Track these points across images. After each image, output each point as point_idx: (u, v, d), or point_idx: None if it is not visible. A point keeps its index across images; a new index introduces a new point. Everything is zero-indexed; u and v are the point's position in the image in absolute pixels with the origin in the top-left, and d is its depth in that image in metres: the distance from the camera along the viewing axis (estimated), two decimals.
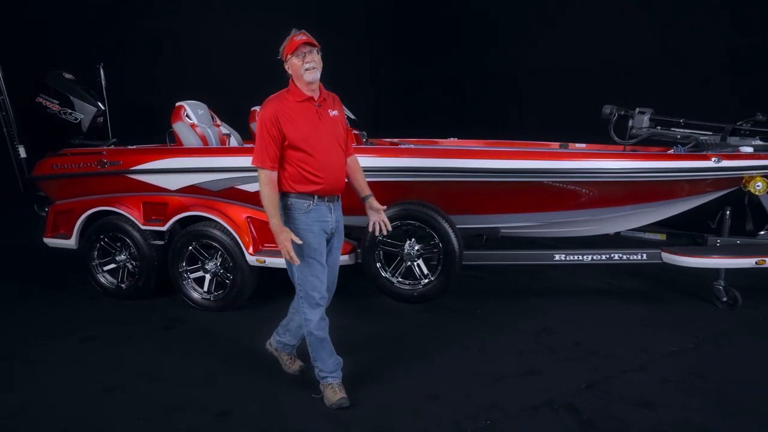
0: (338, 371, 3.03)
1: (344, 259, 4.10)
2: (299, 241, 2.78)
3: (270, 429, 2.79)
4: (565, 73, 8.15)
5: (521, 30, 8.79)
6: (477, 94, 9.51)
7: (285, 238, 2.74)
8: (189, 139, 4.48)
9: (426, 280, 4.00)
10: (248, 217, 4.09)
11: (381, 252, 4.05)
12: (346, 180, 3.00)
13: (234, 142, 4.94)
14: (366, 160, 3.60)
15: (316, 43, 2.79)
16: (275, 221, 2.78)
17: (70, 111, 4.97)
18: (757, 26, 6.28)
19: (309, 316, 2.93)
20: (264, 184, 2.79)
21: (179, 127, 4.52)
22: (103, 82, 5.40)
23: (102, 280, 4.48)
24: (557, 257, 4.21)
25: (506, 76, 9.07)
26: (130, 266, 4.44)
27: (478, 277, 5.19)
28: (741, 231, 4.55)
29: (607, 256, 4.23)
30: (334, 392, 2.97)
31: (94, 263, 4.47)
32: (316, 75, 2.76)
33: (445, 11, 9.88)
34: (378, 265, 4.03)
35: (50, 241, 4.57)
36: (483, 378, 3.30)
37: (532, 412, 2.95)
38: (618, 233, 4.82)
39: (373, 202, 3.06)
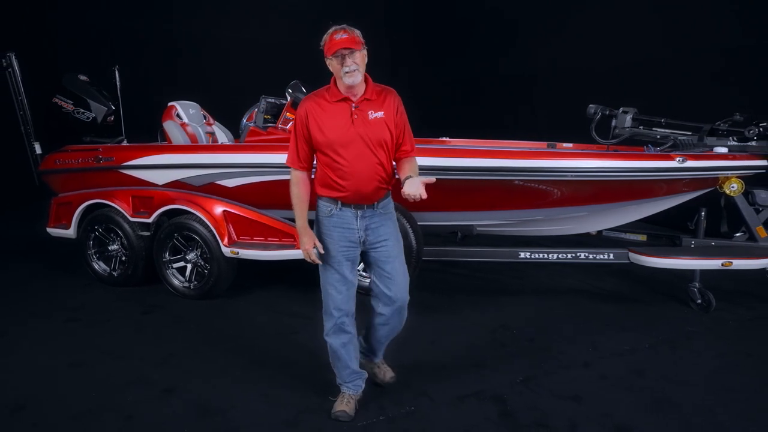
0: (355, 382, 2.96)
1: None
2: (321, 249, 2.73)
3: (204, 405, 2.99)
4: (579, 74, 8.05)
5: (536, 30, 8.75)
6: (492, 94, 9.51)
7: (306, 241, 2.72)
8: (177, 137, 4.77)
9: None
10: (225, 210, 4.33)
11: None
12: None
13: (224, 140, 5.21)
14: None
15: (356, 43, 2.56)
16: (300, 223, 2.75)
17: (83, 110, 5.36)
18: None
19: (325, 323, 2.87)
20: (293, 184, 2.77)
21: (169, 126, 4.82)
22: (118, 83, 5.78)
23: (96, 267, 4.82)
24: (522, 255, 4.26)
25: (521, 77, 9.04)
26: (122, 255, 4.77)
27: (461, 274, 5.27)
28: (722, 232, 4.49)
29: (573, 254, 4.25)
30: (341, 401, 2.93)
31: (89, 252, 4.82)
32: (357, 78, 2.57)
33: (465, 11, 9.93)
34: None
35: (53, 231, 4.95)
36: (424, 368, 3.41)
37: (457, 402, 3.05)
38: (600, 233, 4.83)
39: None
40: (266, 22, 9.50)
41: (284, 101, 4.55)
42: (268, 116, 4.55)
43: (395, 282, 2.82)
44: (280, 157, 4.22)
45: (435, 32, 10.49)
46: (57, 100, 5.35)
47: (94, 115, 5.35)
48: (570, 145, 5.26)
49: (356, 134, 2.62)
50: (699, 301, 4.35)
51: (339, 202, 2.72)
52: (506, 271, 5.34)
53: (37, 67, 6.10)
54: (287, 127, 4.43)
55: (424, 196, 2.52)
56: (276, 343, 3.77)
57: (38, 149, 5.40)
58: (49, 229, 4.98)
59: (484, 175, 4.03)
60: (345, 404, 2.91)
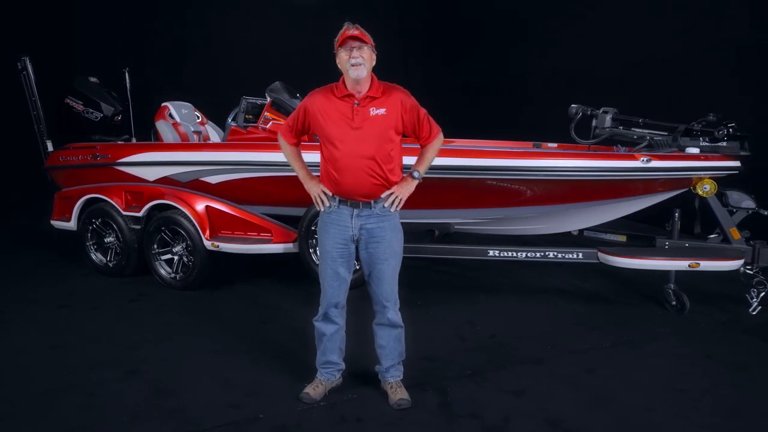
0: (327, 371, 3.08)
1: (289, 247, 4.48)
2: (329, 192, 2.84)
3: (161, 386, 3.18)
4: (586, 74, 7.99)
5: (546, 31, 8.72)
6: (502, 94, 9.51)
7: (312, 186, 2.88)
8: (168, 136, 5.03)
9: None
10: (207, 206, 4.54)
11: (315, 240, 4.36)
12: None
13: (216, 139, 5.44)
14: (308, 156, 3.81)
15: (367, 38, 2.72)
16: (301, 173, 2.95)
17: (92, 110, 5.68)
18: None
19: (319, 309, 3.03)
20: (282, 146, 3.01)
21: (161, 125, 5.08)
22: (128, 84, 6.09)
23: (94, 258, 5.12)
24: (491, 253, 4.32)
25: (531, 77, 9.02)
26: (117, 247, 5.04)
27: (446, 272, 5.36)
28: (705, 233, 4.45)
29: (542, 253, 4.29)
30: (311, 384, 3.07)
31: (87, 243, 5.12)
32: (362, 72, 2.68)
33: (475, 12, 9.96)
34: (311, 251, 4.36)
35: (56, 223, 5.28)
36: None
37: None
38: (581, 233, 4.84)
39: (406, 176, 2.91)
40: (275, 24, 9.73)
41: (264, 101, 4.73)
42: (250, 116, 4.74)
43: (381, 284, 2.95)
44: (260, 156, 4.44)
45: (446, 33, 10.56)
46: (68, 100, 5.67)
47: (102, 115, 5.66)
48: (554, 144, 5.27)
49: (354, 129, 2.74)
50: (674, 302, 4.33)
51: (337, 199, 2.85)
52: (492, 269, 5.39)
53: (50, 70, 6.45)
54: (267, 126, 4.61)
55: (393, 208, 2.86)
56: (244, 331, 3.94)
57: (50, 147, 5.75)
58: (52, 222, 5.32)
59: (457, 174, 4.11)
60: (312, 388, 3.06)
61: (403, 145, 2.94)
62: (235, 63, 9.25)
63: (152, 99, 6.20)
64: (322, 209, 2.90)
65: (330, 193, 2.86)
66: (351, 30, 2.71)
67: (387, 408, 2.99)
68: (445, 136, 5.69)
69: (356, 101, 2.76)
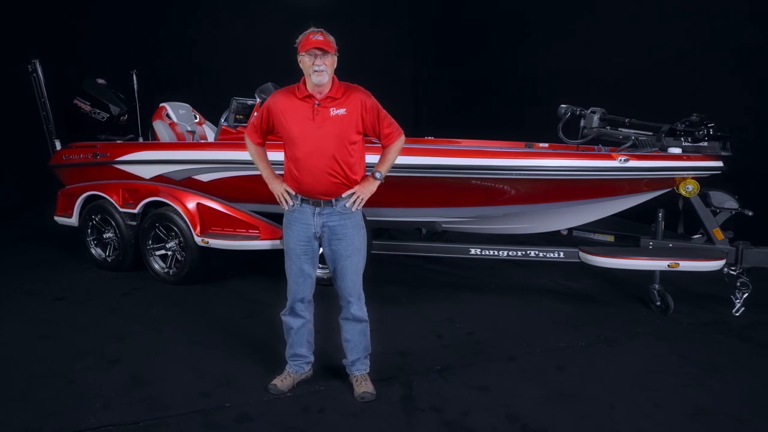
0: (296, 363, 3.17)
1: (276, 243, 4.58)
2: (292, 191, 2.93)
3: (139, 376, 3.30)
4: (591, 75, 7.95)
5: (552, 32, 8.69)
6: (509, 95, 9.50)
7: (276, 186, 2.97)
8: (164, 136, 5.18)
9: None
10: (198, 203, 4.67)
11: None
12: None
13: (212, 138, 5.57)
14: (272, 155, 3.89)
15: (330, 47, 2.77)
16: (266, 173, 3.04)
17: (98, 111, 5.88)
18: None
19: (287, 302, 3.13)
20: (248, 146, 3.11)
21: (157, 125, 5.24)
22: (135, 86, 6.28)
23: (94, 253, 5.30)
24: (473, 251, 4.36)
25: (536, 78, 8.99)
26: (115, 243, 5.21)
27: (434, 270, 5.40)
28: (691, 233, 4.43)
29: (523, 252, 4.32)
30: (279, 376, 3.17)
31: (88, 239, 5.30)
32: (324, 78, 2.76)
33: (483, 13, 9.98)
34: None
35: (59, 219, 5.48)
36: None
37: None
38: (571, 232, 4.85)
39: (368, 176, 2.99)
40: (281, 25, 9.84)
41: (255, 102, 4.84)
42: (240, 116, 4.86)
43: (344, 280, 3.03)
44: (248, 155, 4.55)
45: (456, 33, 10.58)
46: (76, 101, 5.88)
47: (109, 115, 5.85)
48: (546, 144, 5.28)
49: (315, 129, 2.82)
50: (658, 303, 4.31)
51: (299, 197, 2.95)
52: (482, 268, 5.42)
53: (60, 71, 6.68)
54: None
55: (354, 207, 2.93)
56: (228, 325, 4.05)
57: (58, 146, 5.96)
58: (55, 218, 5.52)
59: (443, 173, 4.15)
60: (281, 379, 3.16)
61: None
62: (241, 64, 9.39)
63: (160, 100, 6.39)
64: (286, 208, 2.99)
65: (293, 192, 2.95)
66: (316, 36, 2.76)
67: (351, 400, 3.06)
68: (452, 137, 5.88)
69: (317, 101, 2.84)
